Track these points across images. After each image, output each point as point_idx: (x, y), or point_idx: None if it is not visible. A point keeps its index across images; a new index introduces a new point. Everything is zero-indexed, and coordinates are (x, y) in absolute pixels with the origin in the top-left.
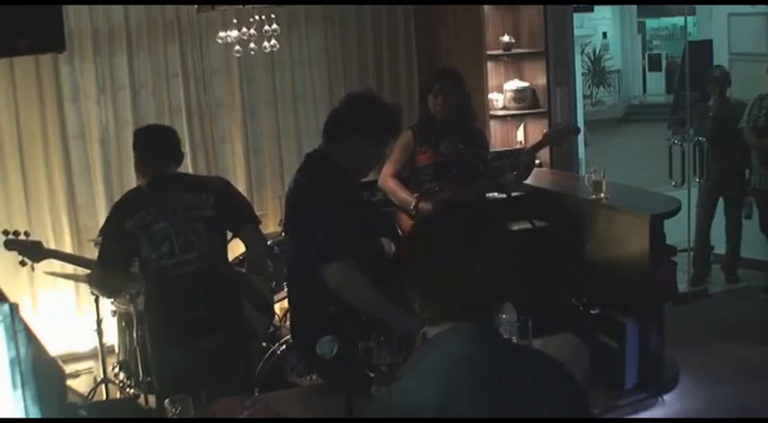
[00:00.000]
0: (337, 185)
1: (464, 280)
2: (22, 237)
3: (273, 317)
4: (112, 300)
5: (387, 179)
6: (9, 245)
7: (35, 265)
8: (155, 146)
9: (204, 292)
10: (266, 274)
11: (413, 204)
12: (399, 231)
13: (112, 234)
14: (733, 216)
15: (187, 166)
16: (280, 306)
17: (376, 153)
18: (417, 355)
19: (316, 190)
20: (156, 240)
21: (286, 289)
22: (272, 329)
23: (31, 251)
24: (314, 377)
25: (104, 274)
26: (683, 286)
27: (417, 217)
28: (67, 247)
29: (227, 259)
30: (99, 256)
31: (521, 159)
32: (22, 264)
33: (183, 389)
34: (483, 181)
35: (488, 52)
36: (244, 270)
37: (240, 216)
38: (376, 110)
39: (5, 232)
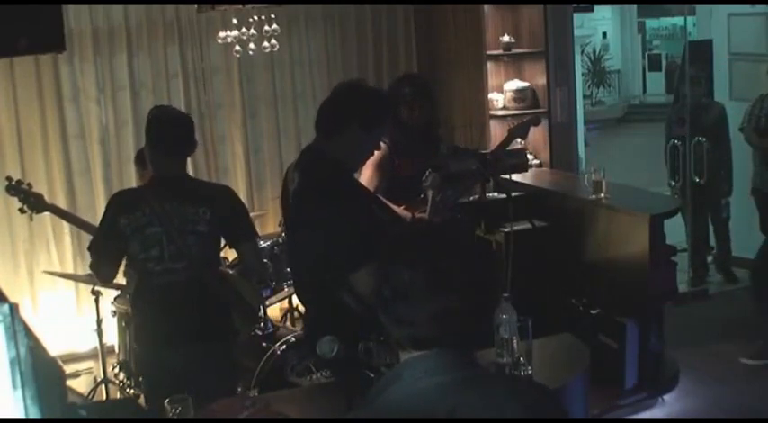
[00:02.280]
0: (343, 187)
1: (424, 312)
2: (24, 186)
3: (258, 322)
4: (113, 300)
5: None
6: (11, 190)
7: (33, 215)
8: (167, 140)
9: (189, 302)
10: (258, 279)
11: (409, 216)
12: None
13: (106, 227)
14: (717, 217)
15: (187, 166)
16: (279, 306)
17: (374, 143)
18: (381, 383)
19: (324, 196)
20: (146, 243)
21: (286, 288)
22: (271, 330)
23: (32, 201)
24: (314, 377)
25: (98, 261)
26: (683, 286)
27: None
28: (67, 247)
29: (216, 271)
30: (92, 245)
31: (518, 160)
32: (21, 211)
33: (167, 388)
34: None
35: (488, 52)
36: (233, 272)
37: (237, 233)
38: (371, 98)
39: (8, 178)
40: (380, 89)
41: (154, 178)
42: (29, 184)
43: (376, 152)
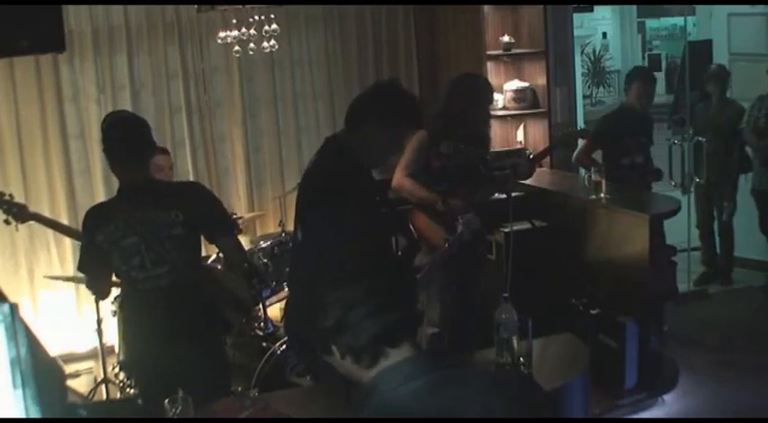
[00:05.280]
0: (350, 181)
1: (357, 314)
2: (7, 198)
3: (250, 313)
4: (113, 300)
5: (404, 180)
6: None
7: (18, 225)
8: (121, 145)
9: (175, 305)
10: (242, 272)
11: (440, 201)
12: (413, 231)
13: (86, 246)
14: (723, 218)
15: (187, 166)
16: (280, 306)
17: (393, 143)
18: (360, 398)
19: (328, 185)
20: (126, 255)
21: (286, 288)
22: (271, 330)
23: (15, 211)
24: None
25: (90, 279)
26: (683, 286)
27: (448, 212)
28: (68, 248)
29: (199, 271)
30: (80, 264)
31: (519, 162)
32: (6, 222)
33: (159, 390)
34: (492, 184)
35: (488, 52)
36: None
37: (213, 229)
38: (397, 98)
39: None
40: (411, 94)
41: (120, 188)
42: (11, 195)
43: (417, 137)
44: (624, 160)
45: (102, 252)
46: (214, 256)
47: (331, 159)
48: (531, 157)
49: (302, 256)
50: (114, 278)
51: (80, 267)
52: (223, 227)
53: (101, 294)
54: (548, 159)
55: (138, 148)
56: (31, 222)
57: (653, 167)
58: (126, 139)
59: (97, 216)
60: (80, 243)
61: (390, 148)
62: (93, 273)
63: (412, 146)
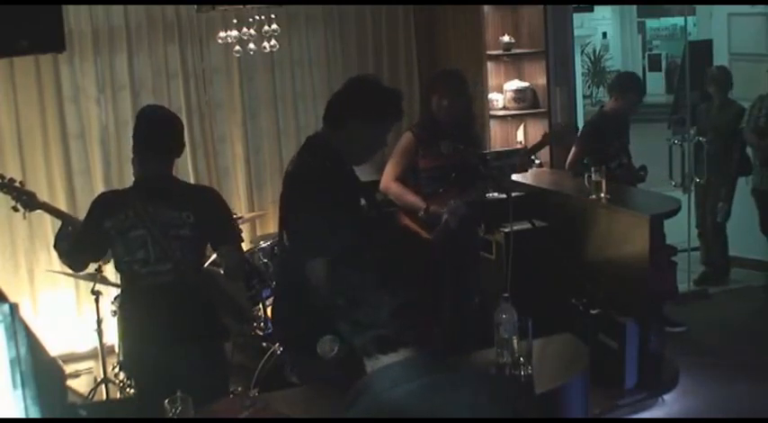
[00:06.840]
0: (331, 177)
1: (380, 311)
2: (17, 185)
3: (248, 321)
4: (113, 300)
5: (390, 183)
6: (2, 188)
7: (26, 213)
8: (155, 140)
9: (176, 303)
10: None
11: (423, 208)
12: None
13: (90, 227)
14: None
15: (187, 166)
16: None
17: (376, 139)
18: (350, 396)
19: (308, 181)
20: (131, 246)
21: None
22: (271, 330)
23: (24, 199)
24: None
25: (76, 255)
26: (683, 286)
27: (429, 220)
28: None
29: (200, 273)
30: (76, 242)
31: (518, 160)
32: (15, 209)
33: (156, 388)
34: (484, 182)
35: (488, 52)
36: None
37: (218, 236)
38: (377, 94)
39: (1, 176)
40: (391, 87)
41: (138, 179)
42: (21, 182)
43: (404, 138)
44: (612, 163)
45: (104, 238)
46: (213, 257)
47: (311, 159)
48: (525, 148)
49: (289, 255)
50: (112, 279)
51: (75, 246)
52: (227, 236)
53: (76, 269)
54: (548, 159)
55: (170, 146)
56: (38, 213)
57: (635, 166)
58: (160, 136)
59: (109, 202)
60: (82, 224)
61: (374, 144)
62: (83, 251)
63: (399, 148)
